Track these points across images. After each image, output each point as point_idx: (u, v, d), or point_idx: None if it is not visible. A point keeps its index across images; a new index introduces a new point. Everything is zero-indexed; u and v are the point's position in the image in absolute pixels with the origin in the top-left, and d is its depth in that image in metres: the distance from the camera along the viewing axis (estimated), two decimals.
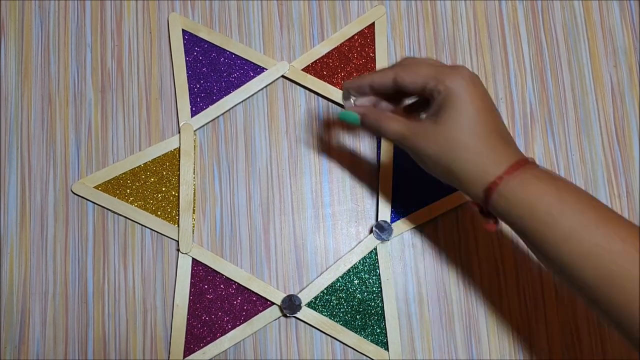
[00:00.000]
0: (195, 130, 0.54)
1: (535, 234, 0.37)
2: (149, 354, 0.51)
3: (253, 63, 0.55)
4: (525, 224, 0.37)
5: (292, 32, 0.57)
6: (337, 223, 0.54)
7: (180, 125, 0.54)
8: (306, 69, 0.55)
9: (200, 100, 0.54)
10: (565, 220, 0.36)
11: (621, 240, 0.35)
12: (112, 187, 0.53)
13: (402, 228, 0.53)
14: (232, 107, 0.55)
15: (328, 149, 0.55)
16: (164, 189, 0.53)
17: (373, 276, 0.52)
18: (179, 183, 0.53)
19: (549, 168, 0.55)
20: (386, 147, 0.54)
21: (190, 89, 0.54)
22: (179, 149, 0.54)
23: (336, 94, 0.55)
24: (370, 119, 0.43)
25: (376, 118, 0.43)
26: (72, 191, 0.53)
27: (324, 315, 0.51)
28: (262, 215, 0.53)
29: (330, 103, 0.55)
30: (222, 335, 0.51)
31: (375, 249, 0.52)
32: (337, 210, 0.54)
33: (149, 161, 0.53)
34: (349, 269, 0.52)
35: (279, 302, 0.51)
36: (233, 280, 0.52)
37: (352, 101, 0.45)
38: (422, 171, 0.54)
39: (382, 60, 0.55)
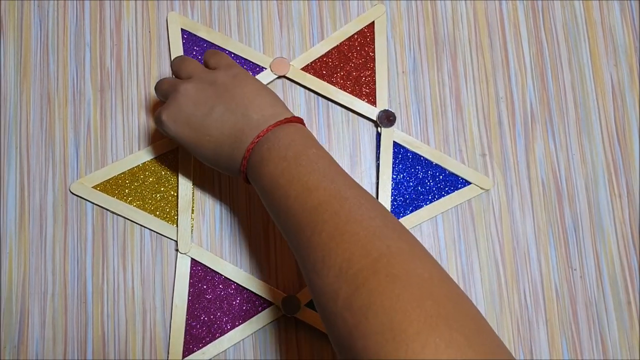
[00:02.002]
0: None
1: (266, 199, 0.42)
2: (148, 354, 0.51)
3: (252, 62, 0.55)
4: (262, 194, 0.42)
5: (291, 32, 0.56)
6: None
7: None
8: (305, 68, 0.55)
9: None
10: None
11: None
12: (110, 187, 0.53)
13: None
14: None
15: (328, 148, 0.55)
16: (162, 189, 0.53)
17: None
18: (177, 183, 0.53)
19: (549, 168, 0.55)
20: (386, 147, 0.54)
21: None
22: (177, 149, 0.53)
23: (336, 93, 0.55)
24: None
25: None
26: (70, 191, 0.53)
27: None
28: (262, 215, 0.53)
29: (330, 102, 0.55)
30: (221, 336, 0.51)
31: None
32: None
33: (148, 161, 0.53)
34: None
35: (278, 302, 0.51)
36: (232, 280, 0.52)
37: None
38: (421, 171, 0.54)
39: (382, 59, 0.55)
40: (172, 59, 0.53)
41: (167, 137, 0.46)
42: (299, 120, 0.44)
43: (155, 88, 0.48)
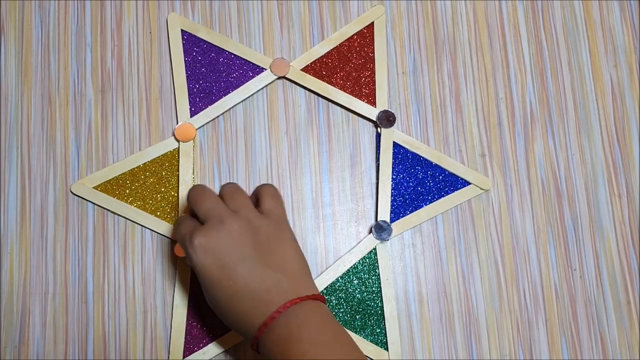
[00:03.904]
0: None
1: None
2: (148, 353, 0.51)
3: (252, 63, 0.55)
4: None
5: (292, 32, 0.57)
6: (337, 223, 0.54)
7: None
8: (305, 69, 0.55)
9: (199, 100, 0.54)
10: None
11: None
12: (111, 187, 0.53)
13: (401, 228, 0.53)
14: (232, 107, 0.55)
15: (328, 149, 0.55)
16: (163, 189, 0.53)
17: (373, 276, 0.52)
18: (178, 183, 0.53)
19: (549, 168, 0.55)
20: (386, 147, 0.54)
21: (189, 89, 0.54)
22: (178, 149, 0.54)
23: (336, 94, 0.55)
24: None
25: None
26: (71, 191, 0.53)
27: None
28: None
29: (330, 103, 0.55)
30: (221, 335, 0.51)
31: (374, 248, 0.52)
32: (337, 210, 0.54)
33: (148, 161, 0.53)
34: (348, 269, 0.52)
35: None
36: None
37: None
38: (421, 171, 0.54)
39: (382, 59, 0.55)
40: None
41: (188, 261, 0.43)
42: (322, 298, 0.42)
43: (195, 198, 0.44)
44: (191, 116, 0.54)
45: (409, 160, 0.54)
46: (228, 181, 0.54)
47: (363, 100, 0.55)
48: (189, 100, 0.54)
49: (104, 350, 0.51)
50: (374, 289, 0.52)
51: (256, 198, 0.46)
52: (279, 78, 0.55)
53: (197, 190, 0.45)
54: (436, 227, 0.54)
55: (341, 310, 0.52)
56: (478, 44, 0.57)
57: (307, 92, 0.56)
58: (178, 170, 0.53)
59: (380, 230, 0.52)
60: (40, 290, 0.52)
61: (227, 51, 0.55)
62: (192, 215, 0.46)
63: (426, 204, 0.53)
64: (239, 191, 0.45)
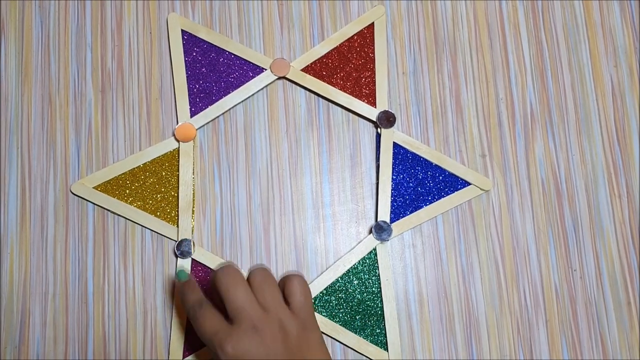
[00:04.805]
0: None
1: None
2: (149, 354, 0.51)
3: (252, 63, 0.55)
4: None
5: (292, 32, 0.57)
6: (337, 223, 0.54)
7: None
8: (305, 69, 0.55)
9: (199, 101, 0.54)
10: None
11: None
12: (111, 187, 0.53)
13: (401, 228, 0.53)
14: (232, 108, 0.55)
15: (328, 149, 0.55)
16: (163, 189, 0.53)
17: (373, 276, 0.52)
18: (178, 183, 0.53)
19: (549, 168, 0.55)
20: (386, 147, 0.54)
21: (189, 89, 0.54)
22: (178, 149, 0.54)
23: (336, 94, 0.55)
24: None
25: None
26: (71, 191, 0.53)
27: (324, 315, 0.51)
28: (262, 216, 0.53)
29: (330, 103, 0.55)
30: None
31: (374, 249, 0.52)
32: (337, 211, 0.54)
33: (148, 162, 0.53)
34: (348, 269, 0.52)
35: None
36: None
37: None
38: (421, 172, 0.54)
39: (382, 60, 0.55)
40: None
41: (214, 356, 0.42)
42: None
43: (227, 287, 0.43)
44: (191, 116, 0.54)
45: (409, 160, 0.54)
46: (227, 183, 0.54)
47: (363, 101, 0.55)
48: (189, 100, 0.54)
49: (104, 350, 0.51)
50: (374, 289, 0.52)
51: (284, 287, 0.46)
52: (279, 78, 0.55)
53: (228, 278, 0.43)
54: (436, 227, 0.54)
55: (341, 310, 0.52)
56: (478, 44, 0.57)
57: (307, 92, 0.56)
58: (178, 171, 0.53)
59: (380, 230, 0.52)
60: (40, 290, 0.52)
61: (227, 51, 0.55)
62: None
63: (426, 205, 0.53)
64: (268, 281, 0.44)
